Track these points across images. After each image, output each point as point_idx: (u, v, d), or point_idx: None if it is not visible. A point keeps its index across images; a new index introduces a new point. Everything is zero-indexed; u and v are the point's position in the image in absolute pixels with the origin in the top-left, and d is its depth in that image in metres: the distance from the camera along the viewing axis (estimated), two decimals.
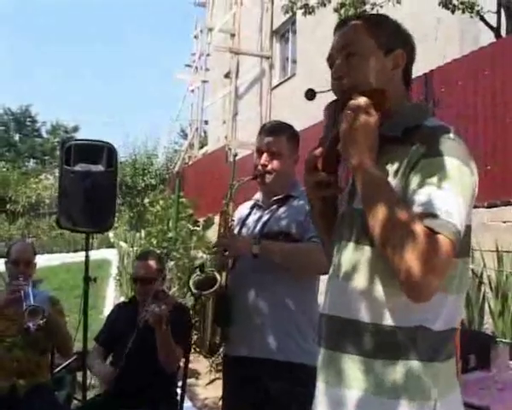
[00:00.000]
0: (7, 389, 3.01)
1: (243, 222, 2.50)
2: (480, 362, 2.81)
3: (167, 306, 2.81)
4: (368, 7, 7.78)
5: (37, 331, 2.89)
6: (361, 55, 1.36)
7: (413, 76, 1.46)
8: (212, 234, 6.68)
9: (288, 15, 10.06)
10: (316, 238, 2.08)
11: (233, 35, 18.06)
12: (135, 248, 9.92)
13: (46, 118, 48.90)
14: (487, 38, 7.87)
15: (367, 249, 1.28)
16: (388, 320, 1.25)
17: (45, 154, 35.25)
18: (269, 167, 2.38)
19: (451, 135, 1.26)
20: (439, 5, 7.59)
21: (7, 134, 36.81)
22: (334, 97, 1.40)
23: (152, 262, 3.11)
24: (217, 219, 2.64)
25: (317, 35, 11.95)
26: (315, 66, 10.43)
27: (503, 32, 7.65)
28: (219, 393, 2.57)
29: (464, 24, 8.98)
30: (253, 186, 2.50)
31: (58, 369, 3.50)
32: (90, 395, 3.39)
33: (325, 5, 8.23)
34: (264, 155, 2.39)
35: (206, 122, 22.13)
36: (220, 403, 2.60)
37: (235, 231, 2.45)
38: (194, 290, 2.38)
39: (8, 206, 20.05)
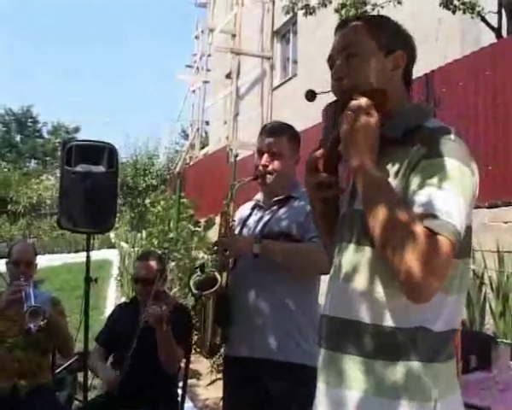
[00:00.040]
0: (8, 390, 3.01)
1: (244, 222, 2.50)
2: (481, 363, 2.81)
3: (168, 306, 2.81)
4: (369, 7, 7.79)
5: (38, 332, 2.89)
6: (361, 56, 1.36)
7: (414, 76, 1.46)
8: (213, 234, 6.68)
9: (288, 16, 10.07)
10: (316, 238, 2.08)
11: (234, 35, 18.06)
12: (136, 249, 9.91)
13: (46, 118, 49.08)
14: (488, 38, 7.88)
15: (367, 250, 1.28)
16: (389, 321, 1.25)
17: (46, 154, 35.27)
18: (270, 168, 2.38)
19: (452, 136, 1.26)
20: (440, 6, 7.59)
21: (8, 135, 36.81)
22: (335, 98, 1.41)
23: (153, 263, 3.11)
24: (218, 219, 2.64)
25: (318, 36, 11.95)
26: (316, 66, 10.43)
27: (504, 33, 7.66)
28: (220, 394, 2.57)
29: (465, 24, 8.98)
30: (253, 187, 2.50)
31: (59, 370, 3.50)
32: (91, 395, 3.39)
33: (326, 6, 8.24)
34: (265, 156, 2.39)
35: (207, 123, 22.14)
36: (221, 404, 2.60)
37: (236, 232, 2.45)
38: (195, 291, 2.39)
39: (9, 206, 20.02)
